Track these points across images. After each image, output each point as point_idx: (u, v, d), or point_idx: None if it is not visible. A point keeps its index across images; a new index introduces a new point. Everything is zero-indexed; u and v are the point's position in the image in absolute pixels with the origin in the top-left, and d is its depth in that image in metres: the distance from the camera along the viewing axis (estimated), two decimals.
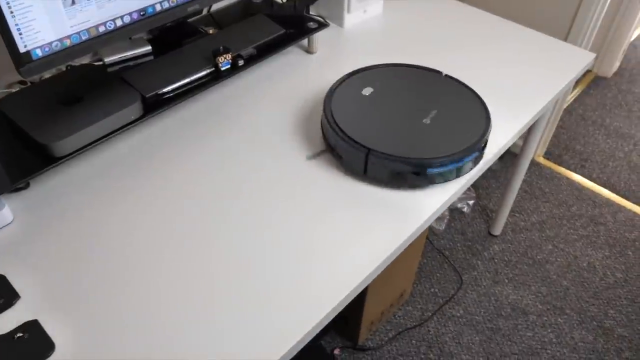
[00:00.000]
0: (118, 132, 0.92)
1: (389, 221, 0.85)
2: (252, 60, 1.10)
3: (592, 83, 2.69)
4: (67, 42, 0.87)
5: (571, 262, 1.78)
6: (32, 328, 0.69)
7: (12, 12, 0.77)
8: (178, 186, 0.90)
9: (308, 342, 0.72)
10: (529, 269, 1.75)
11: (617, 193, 2.06)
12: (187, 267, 0.78)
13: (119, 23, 0.93)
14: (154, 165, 0.94)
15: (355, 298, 0.80)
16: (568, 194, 2.04)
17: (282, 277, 0.76)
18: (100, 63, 1.07)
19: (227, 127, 1.03)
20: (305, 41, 1.25)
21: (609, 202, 2.01)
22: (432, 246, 1.81)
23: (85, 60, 1.09)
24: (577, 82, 2.68)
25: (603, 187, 2.08)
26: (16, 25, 0.78)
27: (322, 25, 1.21)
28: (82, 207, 0.86)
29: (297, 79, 1.16)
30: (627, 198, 2.04)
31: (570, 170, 2.16)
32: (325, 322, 0.74)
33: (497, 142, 1.02)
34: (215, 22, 1.23)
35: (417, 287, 1.68)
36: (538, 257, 1.79)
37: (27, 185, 0.89)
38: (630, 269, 1.77)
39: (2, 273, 0.76)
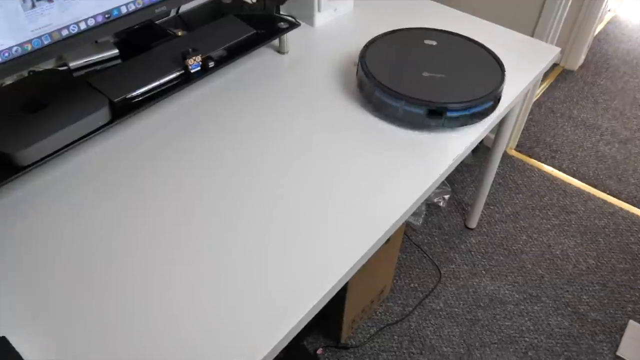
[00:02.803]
0: (86, 138, 0.90)
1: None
2: (222, 61, 1.08)
3: (559, 76, 2.75)
4: (29, 47, 0.84)
5: (545, 251, 1.81)
6: (0, 345, 0.66)
7: None
8: (151, 191, 0.88)
9: (291, 342, 0.71)
10: (505, 260, 1.78)
11: (587, 182, 2.11)
12: (159, 276, 0.76)
13: (82, 26, 0.90)
14: (126, 171, 0.92)
15: (335, 295, 0.79)
16: (540, 184, 2.08)
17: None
18: (65, 68, 1.04)
19: (199, 130, 1.01)
20: (276, 41, 1.24)
21: (579, 191, 2.06)
22: (410, 241, 1.82)
23: (49, 65, 1.06)
24: (545, 76, 2.74)
25: (573, 177, 2.13)
26: None
27: (292, 25, 1.20)
28: (50, 216, 0.84)
29: (269, 79, 1.15)
30: (595, 187, 2.09)
31: (541, 161, 2.20)
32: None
33: (469, 135, 1.03)
34: (184, 24, 1.21)
35: (397, 282, 1.69)
36: (513, 247, 1.82)
37: None
38: (601, 255, 1.81)
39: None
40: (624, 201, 2.03)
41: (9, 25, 0.80)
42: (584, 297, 1.68)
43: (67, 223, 0.83)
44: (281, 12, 1.32)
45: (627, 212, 1.98)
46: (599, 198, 2.04)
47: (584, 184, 2.10)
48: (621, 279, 1.74)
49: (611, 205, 2.01)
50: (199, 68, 1.05)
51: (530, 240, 1.85)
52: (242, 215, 0.85)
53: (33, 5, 0.82)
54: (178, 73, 1.03)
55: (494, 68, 1.13)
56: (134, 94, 0.98)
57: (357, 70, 1.12)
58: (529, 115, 2.45)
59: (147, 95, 0.99)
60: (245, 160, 0.95)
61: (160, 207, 0.86)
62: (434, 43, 1.19)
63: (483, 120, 1.08)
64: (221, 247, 0.80)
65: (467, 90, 1.05)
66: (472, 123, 1.06)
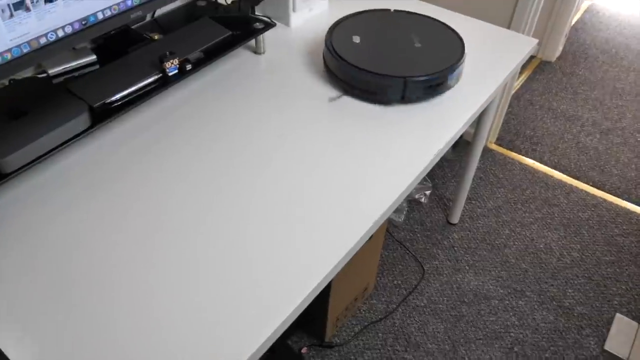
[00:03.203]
0: (67, 144, 0.91)
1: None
2: (199, 64, 1.10)
3: (537, 68, 2.78)
4: (8, 56, 0.85)
5: (528, 245, 1.84)
6: None
7: None
8: (132, 194, 0.89)
9: (275, 341, 0.73)
10: (488, 255, 1.80)
11: (568, 174, 2.14)
12: (141, 278, 0.77)
13: (60, 34, 0.91)
14: (107, 175, 0.93)
15: (319, 294, 0.81)
16: (521, 178, 2.11)
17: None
18: (45, 75, 1.05)
19: (178, 132, 1.02)
20: (252, 42, 1.26)
21: (561, 184, 2.09)
22: (392, 238, 1.84)
23: (28, 73, 1.07)
24: (523, 68, 2.77)
25: (554, 169, 2.16)
26: None
27: (268, 25, 1.22)
28: (34, 223, 0.84)
29: (246, 79, 1.17)
30: (578, 178, 2.12)
31: (522, 154, 2.23)
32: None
33: (447, 131, 1.05)
34: (160, 28, 1.22)
35: (381, 279, 1.71)
36: (496, 242, 1.85)
37: None
38: (585, 248, 1.84)
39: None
40: (607, 192, 2.06)
41: None
42: (569, 290, 1.70)
43: (50, 227, 0.84)
44: (256, 13, 1.34)
45: (611, 203, 2.01)
46: (581, 190, 2.07)
47: (565, 176, 2.13)
48: (606, 271, 1.76)
49: (594, 197, 2.04)
50: (176, 71, 1.06)
51: (513, 234, 1.88)
52: (223, 215, 0.86)
53: (11, 15, 0.83)
54: (156, 77, 1.04)
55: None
56: (113, 98, 0.99)
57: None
58: (508, 108, 2.48)
59: (126, 100, 1.00)
60: (225, 160, 0.96)
61: (140, 210, 0.87)
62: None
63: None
64: (202, 247, 0.81)
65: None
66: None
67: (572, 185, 2.08)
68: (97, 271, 0.77)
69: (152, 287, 0.75)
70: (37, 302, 0.73)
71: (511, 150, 2.25)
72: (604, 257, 1.81)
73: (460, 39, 1.21)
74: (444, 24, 1.27)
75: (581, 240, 1.87)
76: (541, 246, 1.84)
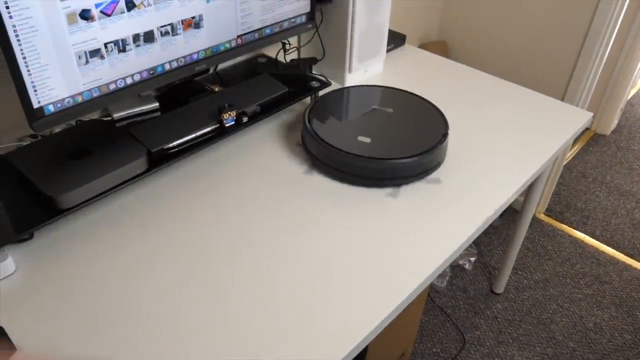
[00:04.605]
0: (124, 185, 0.94)
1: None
2: (255, 117, 1.13)
3: (591, 140, 2.73)
4: (79, 99, 0.91)
5: (577, 323, 1.75)
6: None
7: (28, 71, 0.81)
8: (183, 237, 0.91)
9: None
10: (534, 329, 1.72)
11: (622, 251, 2.05)
12: (191, 319, 0.77)
13: (129, 81, 0.97)
14: (158, 218, 0.95)
15: (355, 358, 0.79)
16: (571, 251, 2.03)
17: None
18: (109, 118, 1.11)
19: (231, 181, 1.05)
20: (308, 99, 1.29)
21: (613, 261, 2.00)
22: (433, 304, 1.79)
23: (94, 115, 1.13)
24: (577, 140, 2.72)
25: (606, 245, 2.07)
26: (32, 82, 0.82)
27: (324, 84, 1.25)
28: (85, 258, 0.87)
29: (299, 134, 1.19)
30: (632, 256, 2.02)
31: (572, 227, 2.15)
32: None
33: (498, 198, 1.04)
34: (221, 80, 1.28)
35: (419, 346, 1.64)
36: (542, 316, 1.76)
37: (31, 236, 0.90)
38: (638, 330, 1.73)
39: (1, 324, 0.75)
40: None
41: (65, 79, 0.86)
42: None
43: (103, 265, 0.86)
44: (313, 72, 1.38)
45: None
46: (635, 269, 1.97)
47: (618, 253, 2.04)
48: None
49: None
50: (233, 122, 1.10)
51: (560, 309, 1.79)
52: (262, 273, 0.86)
53: (87, 62, 0.89)
54: (213, 127, 1.08)
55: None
56: (171, 145, 1.03)
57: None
58: (559, 179, 2.42)
59: (183, 147, 1.03)
60: (269, 211, 0.98)
61: (183, 256, 0.88)
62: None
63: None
64: (242, 304, 0.81)
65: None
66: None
67: (625, 263, 1.99)
68: (151, 315, 0.78)
69: (183, 337, 0.76)
70: (87, 346, 0.74)
71: (561, 222, 2.18)
72: None
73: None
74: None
75: (634, 322, 1.76)
76: (591, 325, 1.74)
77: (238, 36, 1.13)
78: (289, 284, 0.84)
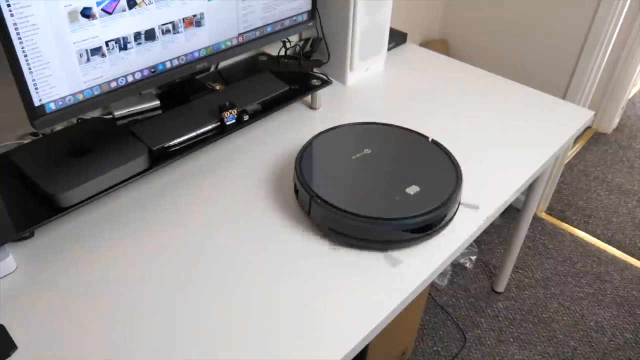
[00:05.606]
0: (124, 183, 0.94)
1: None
2: (257, 115, 1.13)
3: (592, 139, 2.72)
4: (80, 97, 0.91)
5: (578, 321, 1.74)
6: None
7: (30, 69, 0.81)
8: (184, 236, 0.91)
9: None
10: (535, 328, 1.72)
11: (623, 250, 2.04)
12: (191, 319, 0.77)
13: (130, 79, 0.97)
14: (159, 216, 0.95)
15: (356, 356, 0.79)
16: (572, 250, 2.03)
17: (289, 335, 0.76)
18: (110, 116, 1.11)
19: (232, 178, 1.05)
20: (309, 97, 1.29)
21: (614, 259, 1.99)
22: (434, 302, 1.79)
23: (95, 113, 1.13)
24: (578, 138, 2.72)
25: (608, 243, 2.07)
26: (33, 80, 0.82)
27: (325, 82, 1.25)
28: (86, 257, 0.87)
29: (299, 132, 1.19)
30: (633, 255, 2.02)
31: (574, 226, 2.15)
32: None
33: (498, 197, 1.04)
34: (222, 79, 1.28)
35: (420, 345, 1.64)
36: (543, 315, 1.76)
37: (31, 234, 0.90)
38: (639, 329, 1.73)
39: (2, 322, 0.75)
40: None
41: (66, 77, 0.86)
42: None
43: (103, 262, 0.86)
44: (315, 70, 1.38)
45: None
46: (636, 267, 1.96)
47: (620, 252, 2.03)
48: None
49: None
50: (234, 121, 1.10)
51: (561, 308, 1.79)
52: (270, 271, 0.86)
53: (88, 60, 0.89)
54: (214, 125, 1.08)
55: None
56: (172, 143, 1.03)
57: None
58: (560, 177, 2.42)
59: (184, 145, 1.03)
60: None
61: (183, 254, 0.88)
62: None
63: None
64: (240, 300, 0.81)
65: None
66: None
67: (626, 261, 1.99)
68: (151, 314, 0.78)
69: (182, 338, 0.76)
70: (86, 344, 0.74)
71: (562, 220, 2.18)
72: None
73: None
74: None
75: (635, 320, 1.75)
76: (592, 324, 1.74)
77: (239, 34, 1.13)
78: (289, 283, 0.84)
